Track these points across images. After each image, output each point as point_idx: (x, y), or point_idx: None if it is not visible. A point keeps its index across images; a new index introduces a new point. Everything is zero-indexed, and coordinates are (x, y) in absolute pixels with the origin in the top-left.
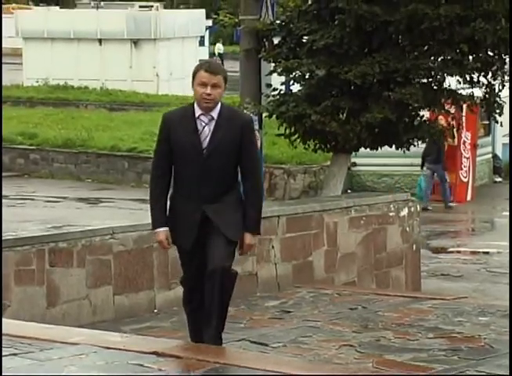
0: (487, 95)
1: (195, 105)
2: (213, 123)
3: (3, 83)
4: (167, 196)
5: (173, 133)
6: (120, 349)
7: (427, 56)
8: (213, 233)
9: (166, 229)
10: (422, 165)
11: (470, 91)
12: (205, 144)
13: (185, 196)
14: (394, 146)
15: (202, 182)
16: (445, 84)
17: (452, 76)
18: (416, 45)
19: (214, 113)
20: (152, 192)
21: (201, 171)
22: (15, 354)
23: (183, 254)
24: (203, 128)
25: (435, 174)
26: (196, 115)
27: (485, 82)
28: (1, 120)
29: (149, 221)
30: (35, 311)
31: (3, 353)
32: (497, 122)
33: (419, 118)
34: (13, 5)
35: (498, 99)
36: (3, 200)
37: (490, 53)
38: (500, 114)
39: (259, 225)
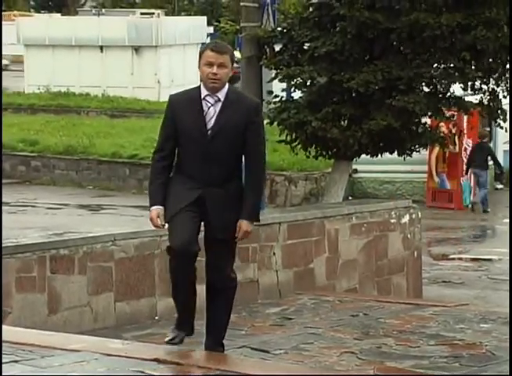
0: (490, 103)
1: (201, 86)
2: (219, 104)
3: (4, 90)
4: (167, 177)
5: (178, 114)
6: (121, 356)
7: (430, 64)
8: (209, 232)
9: (160, 207)
10: (467, 171)
11: (471, 98)
12: (210, 125)
13: (187, 176)
14: (396, 153)
15: (205, 163)
16: (449, 92)
17: (454, 84)
18: (418, 52)
19: (221, 95)
20: (152, 171)
21: (205, 153)
22: (16, 361)
23: (172, 219)
24: (209, 108)
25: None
26: (203, 96)
27: (488, 89)
28: (0, 126)
29: (151, 228)
30: (36, 318)
31: (4, 360)
32: (502, 128)
33: (422, 125)
34: (15, 12)
35: (501, 105)
36: (4, 207)
37: (492, 60)
38: (504, 120)
39: (258, 212)
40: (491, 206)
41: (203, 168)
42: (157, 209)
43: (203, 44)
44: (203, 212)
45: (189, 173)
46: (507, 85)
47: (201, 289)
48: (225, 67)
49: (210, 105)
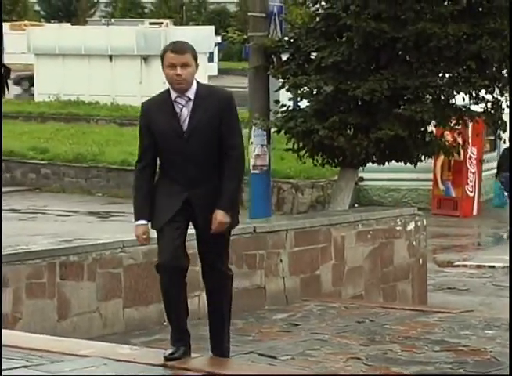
0: (493, 112)
1: (170, 89)
2: (190, 104)
3: (16, 98)
4: (149, 187)
5: (153, 120)
6: (130, 362)
7: (435, 74)
8: (199, 230)
9: (145, 222)
10: (497, 174)
11: (475, 107)
12: (185, 126)
13: (171, 179)
14: (402, 162)
15: (185, 165)
16: (453, 101)
17: (459, 93)
18: (424, 62)
19: (191, 94)
20: (135, 182)
21: (184, 155)
22: (26, 366)
23: (160, 231)
24: (181, 110)
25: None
26: (173, 98)
27: (491, 99)
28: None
29: None
30: (46, 323)
31: (14, 365)
32: (500, 139)
33: (428, 134)
34: (25, 21)
35: (502, 115)
36: (15, 214)
37: (496, 69)
38: (504, 131)
39: (234, 204)
40: (495, 213)
41: (184, 170)
42: (143, 226)
43: (211, 53)
44: (191, 214)
45: (171, 176)
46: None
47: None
48: (188, 66)
49: (181, 106)
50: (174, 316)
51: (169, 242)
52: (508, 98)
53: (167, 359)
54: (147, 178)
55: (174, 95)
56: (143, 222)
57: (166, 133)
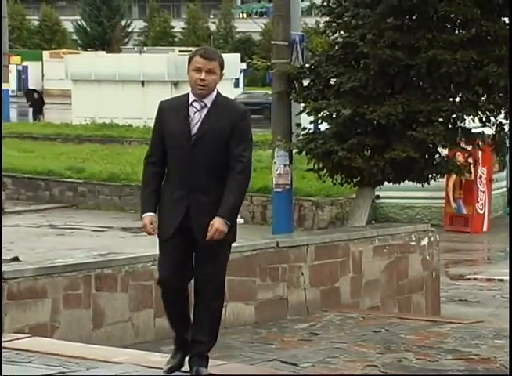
0: (497, 135)
1: (190, 93)
2: (205, 110)
3: (54, 121)
4: (158, 182)
5: (165, 120)
6: (160, 368)
7: (447, 98)
8: (194, 243)
9: (152, 214)
10: None
11: (481, 130)
12: (194, 130)
13: (174, 183)
14: (416, 181)
15: (190, 169)
16: (462, 124)
17: (468, 116)
18: (436, 87)
19: (208, 101)
20: (143, 177)
21: (189, 159)
22: (63, 372)
23: (163, 245)
24: (194, 114)
25: None
26: (190, 101)
27: (496, 122)
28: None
29: None
30: (82, 332)
31: (52, 372)
32: (504, 161)
33: (439, 155)
34: (64, 50)
35: (507, 138)
36: (53, 230)
37: (503, 94)
38: (504, 155)
39: (233, 213)
40: (504, 230)
41: (187, 174)
42: (150, 216)
43: (236, 79)
44: (189, 223)
45: (175, 180)
46: None
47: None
48: (213, 74)
49: (195, 110)
50: (175, 327)
51: (168, 260)
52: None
53: (166, 371)
54: (155, 175)
55: (192, 98)
56: (150, 213)
57: (175, 135)
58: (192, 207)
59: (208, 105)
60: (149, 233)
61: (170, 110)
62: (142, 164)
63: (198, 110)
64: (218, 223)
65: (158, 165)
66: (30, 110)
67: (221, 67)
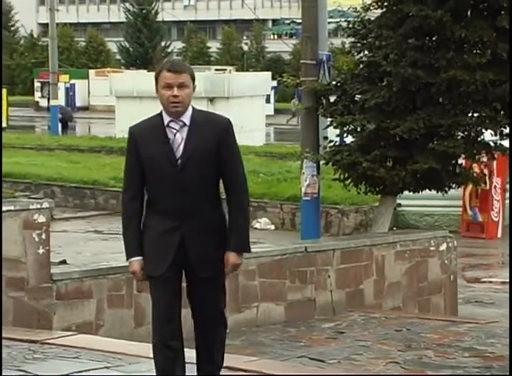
0: None
1: (163, 113)
2: (185, 129)
3: (100, 135)
4: (139, 221)
5: (141, 147)
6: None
7: (465, 114)
8: (189, 274)
9: (140, 258)
10: None
11: (498, 143)
12: (178, 154)
13: (160, 213)
14: (435, 190)
15: (179, 196)
16: (481, 137)
17: (487, 130)
18: (456, 103)
19: (186, 119)
20: (123, 214)
21: (177, 184)
22: (107, 367)
23: (155, 282)
24: (175, 135)
25: None
26: (166, 123)
27: None
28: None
29: None
30: (124, 330)
31: (97, 366)
32: None
33: (459, 166)
34: (108, 68)
35: None
36: (98, 235)
37: None
38: None
39: (245, 240)
40: None
41: (177, 202)
42: (138, 261)
43: (268, 95)
44: (184, 255)
45: (162, 210)
46: None
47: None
48: (186, 87)
49: (175, 131)
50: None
51: (165, 299)
52: None
53: None
54: (136, 213)
55: (167, 119)
56: (138, 258)
57: (157, 161)
58: (188, 237)
59: (187, 123)
60: (141, 280)
61: (145, 136)
62: (121, 198)
63: (178, 131)
64: (233, 259)
65: (138, 199)
66: (66, 124)
67: (193, 79)
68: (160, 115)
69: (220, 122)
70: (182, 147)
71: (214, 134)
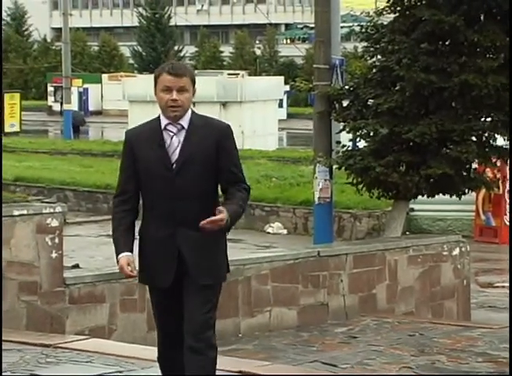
0: None
1: (161, 116)
2: (183, 133)
3: (112, 139)
4: (131, 221)
5: (137, 151)
6: None
7: (478, 119)
8: (187, 279)
9: (128, 254)
10: None
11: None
12: (174, 157)
13: (156, 219)
14: (448, 195)
15: (175, 202)
16: (494, 142)
17: (499, 135)
18: (468, 108)
19: (184, 122)
20: (113, 218)
21: (173, 189)
22: (120, 371)
23: (159, 297)
24: (171, 138)
25: None
26: (163, 126)
27: None
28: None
29: (237, 257)
30: (137, 334)
31: (109, 370)
32: None
33: (472, 171)
34: (121, 73)
35: None
36: (110, 239)
37: None
38: None
39: (235, 219)
40: None
41: (173, 208)
42: (126, 256)
43: (280, 100)
44: (183, 265)
45: (157, 216)
46: None
47: None
48: (185, 92)
49: (172, 134)
50: None
51: (169, 311)
52: None
53: None
54: (126, 213)
55: (164, 122)
56: (126, 253)
57: (152, 166)
58: (183, 246)
59: (185, 126)
60: (128, 275)
61: (140, 139)
62: (112, 202)
63: (175, 134)
64: (222, 214)
65: (130, 203)
66: (77, 128)
67: (193, 82)
68: (157, 118)
69: (219, 126)
70: (178, 151)
71: (213, 138)
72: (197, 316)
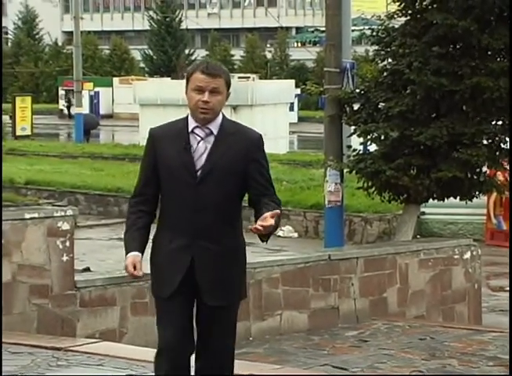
0: None
1: (189, 117)
2: (211, 138)
3: (123, 142)
4: (146, 222)
5: (160, 150)
6: None
7: (489, 122)
8: (199, 298)
9: (135, 253)
10: None
11: None
12: (199, 164)
13: (172, 229)
14: (459, 198)
15: (195, 212)
16: (505, 146)
17: (510, 138)
18: (479, 111)
19: (214, 127)
20: (127, 218)
21: (194, 198)
22: (131, 375)
23: (163, 304)
24: (198, 143)
25: None
26: (190, 128)
27: None
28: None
29: (249, 260)
30: (148, 338)
31: (121, 374)
32: None
33: (483, 174)
34: (132, 76)
35: None
36: (121, 243)
37: None
38: None
39: (278, 223)
40: None
41: (192, 219)
42: (133, 256)
43: (291, 103)
44: (193, 277)
45: (174, 225)
46: None
47: None
48: (218, 94)
49: (199, 139)
50: None
51: (173, 322)
52: None
53: None
54: (141, 214)
55: (192, 125)
56: (133, 253)
57: (175, 170)
58: (197, 258)
59: (215, 132)
60: (133, 275)
61: (165, 139)
62: (128, 203)
63: (202, 139)
64: (271, 220)
65: (145, 205)
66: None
67: (228, 85)
68: (185, 119)
69: (251, 136)
70: (204, 157)
71: (243, 148)
72: (208, 344)
